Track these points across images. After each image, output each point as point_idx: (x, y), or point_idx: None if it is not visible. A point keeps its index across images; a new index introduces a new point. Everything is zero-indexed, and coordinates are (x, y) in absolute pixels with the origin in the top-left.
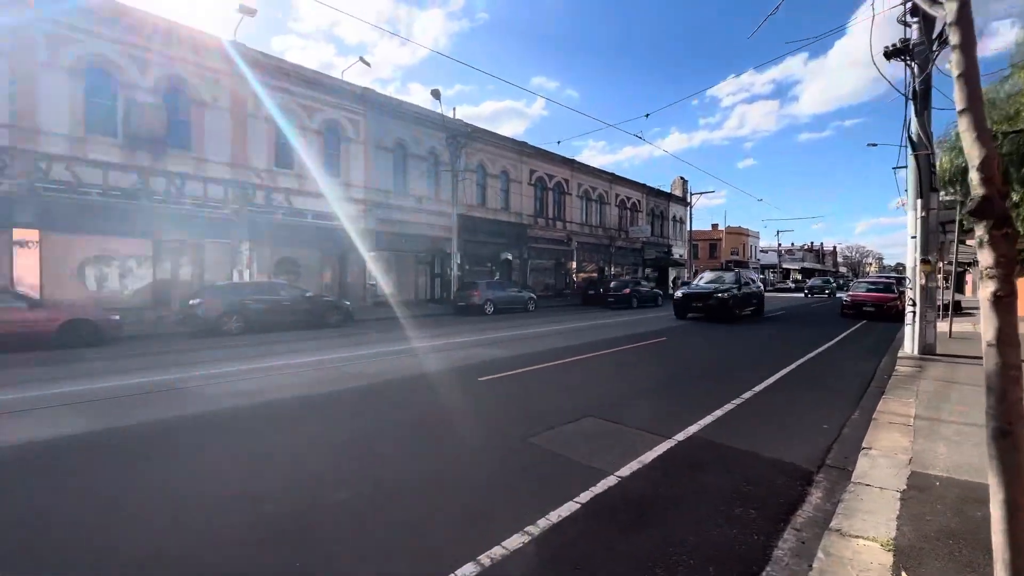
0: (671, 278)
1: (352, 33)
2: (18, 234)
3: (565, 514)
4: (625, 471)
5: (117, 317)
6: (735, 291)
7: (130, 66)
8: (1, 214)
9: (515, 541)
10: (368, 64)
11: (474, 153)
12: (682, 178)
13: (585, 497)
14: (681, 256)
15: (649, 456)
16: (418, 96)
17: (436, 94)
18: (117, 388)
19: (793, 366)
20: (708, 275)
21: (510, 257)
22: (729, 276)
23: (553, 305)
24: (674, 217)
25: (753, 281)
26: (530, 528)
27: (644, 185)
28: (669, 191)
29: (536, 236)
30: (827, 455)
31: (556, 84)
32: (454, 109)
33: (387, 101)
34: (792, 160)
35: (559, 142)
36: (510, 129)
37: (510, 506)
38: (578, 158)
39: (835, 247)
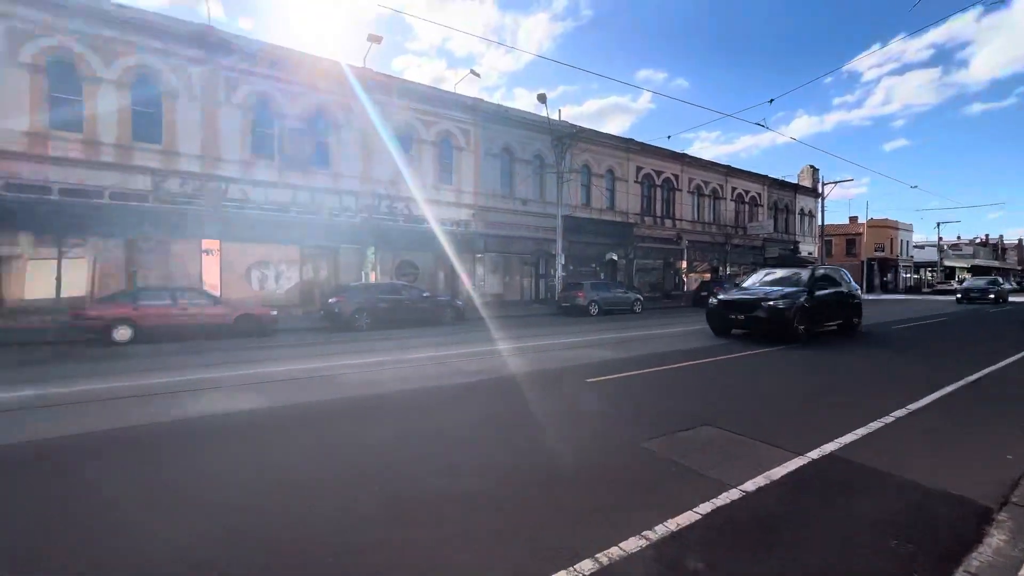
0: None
1: (460, 47)
2: (205, 244)
3: (684, 523)
4: (750, 485)
5: (275, 313)
6: (800, 298)
7: (284, 99)
8: (194, 228)
9: (632, 544)
10: (478, 75)
11: (579, 153)
12: (812, 166)
13: (705, 508)
14: (810, 254)
15: (778, 472)
16: (523, 101)
17: (542, 98)
18: (281, 373)
19: (960, 384)
20: (762, 274)
21: (615, 257)
22: (800, 274)
23: (662, 307)
24: (801, 211)
25: (844, 281)
26: (648, 533)
27: (765, 176)
28: (796, 182)
29: (643, 235)
30: (1013, 491)
31: (664, 75)
32: (559, 111)
33: (495, 109)
34: (958, 137)
35: (669, 137)
36: (615, 126)
37: (625, 509)
38: (689, 151)
39: (1021, 240)
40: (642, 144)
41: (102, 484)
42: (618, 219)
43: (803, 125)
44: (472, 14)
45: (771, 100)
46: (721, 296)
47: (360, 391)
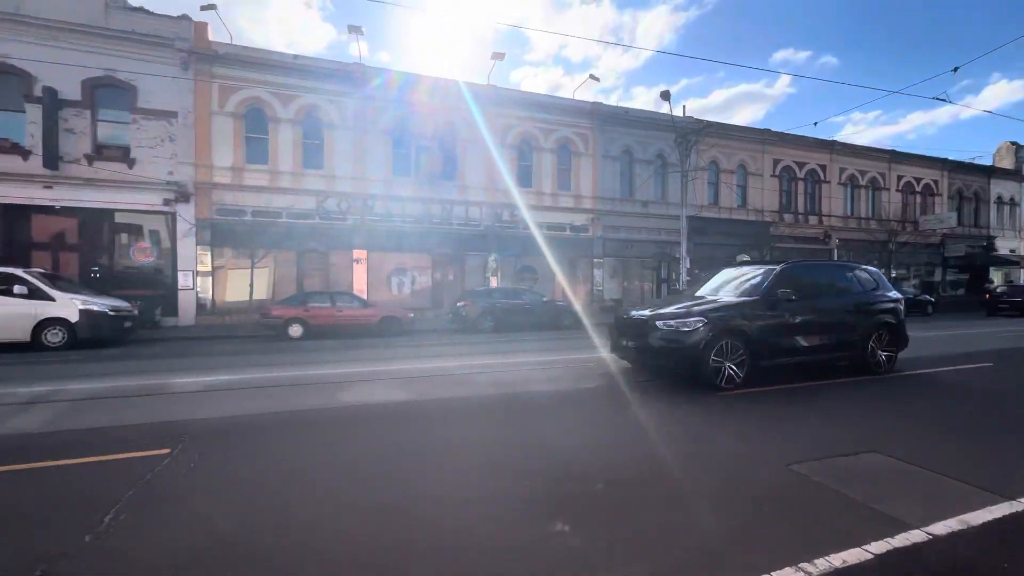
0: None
1: (577, 52)
2: (355, 254)
3: (851, 560)
4: (938, 528)
5: (412, 315)
6: (731, 313)
7: (418, 121)
8: (347, 240)
9: (787, 575)
10: (597, 79)
11: (705, 150)
12: (1013, 143)
13: (879, 548)
14: (1014, 251)
15: (977, 517)
16: (642, 99)
17: (665, 96)
18: (421, 369)
19: None
20: (732, 273)
21: (748, 259)
22: (759, 275)
23: None
24: (999, 199)
25: (863, 284)
26: (806, 566)
27: (944, 160)
28: (990, 163)
29: (781, 234)
30: None
31: (806, 54)
32: (683, 106)
33: (613, 111)
34: None
35: (816, 123)
36: (746, 116)
37: (775, 535)
38: (838, 137)
39: None
40: (780, 134)
41: (294, 455)
42: (751, 218)
43: (1000, 93)
44: (589, 19)
45: (955, 69)
46: (626, 313)
47: (490, 390)
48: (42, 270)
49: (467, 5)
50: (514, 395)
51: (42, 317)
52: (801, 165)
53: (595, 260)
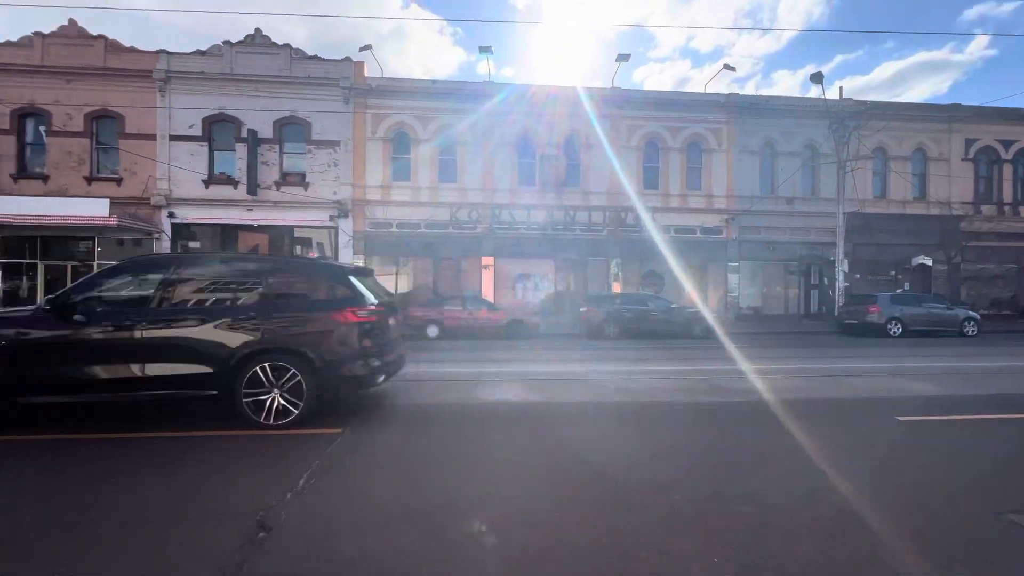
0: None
1: (705, 42)
2: (483, 260)
3: None
4: None
5: (536, 319)
6: None
7: (542, 130)
8: (476, 248)
9: None
10: (732, 69)
11: (868, 135)
12: None
13: None
14: None
15: None
16: (784, 84)
17: (817, 78)
18: (548, 372)
19: None
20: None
21: (928, 262)
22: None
23: (1010, 329)
24: None
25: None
26: None
27: None
28: None
29: (975, 231)
30: None
31: (1013, 5)
32: (839, 87)
33: (752, 101)
34: None
35: None
36: (925, 91)
37: None
38: None
39: None
40: (975, 108)
41: (445, 441)
42: (932, 212)
43: None
44: (720, 4)
45: None
46: None
47: (616, 397)
48: None
49: (588, 10)
50: (645, 404)
51: None
52: (1008, 144)
53: (729, 264)
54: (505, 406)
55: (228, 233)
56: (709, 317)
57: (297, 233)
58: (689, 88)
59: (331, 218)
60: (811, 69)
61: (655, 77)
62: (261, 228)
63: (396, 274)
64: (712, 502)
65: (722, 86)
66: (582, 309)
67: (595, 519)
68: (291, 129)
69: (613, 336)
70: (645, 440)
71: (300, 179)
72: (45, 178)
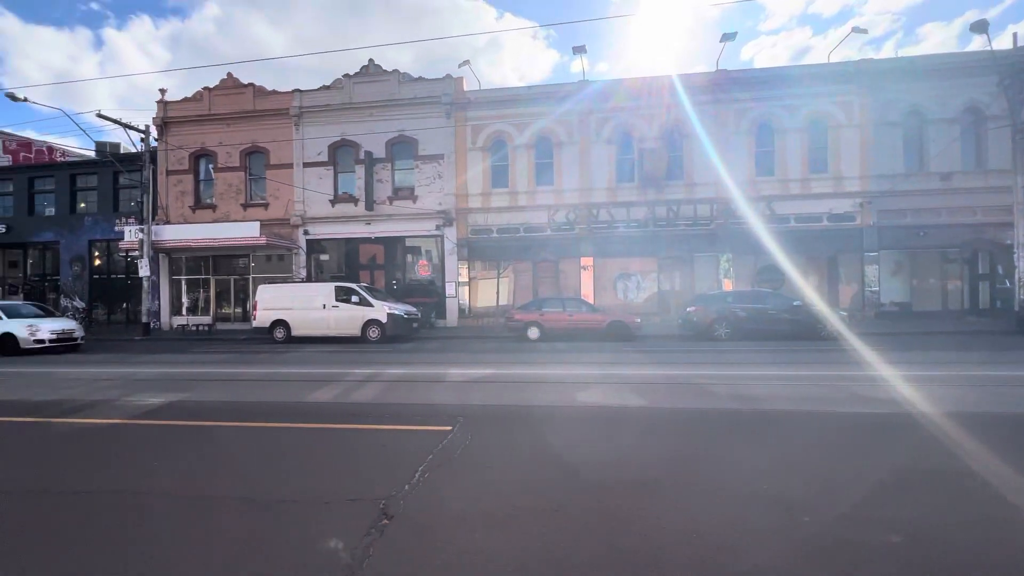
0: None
1: (829, 5)
2: (582, 261)
3: None
4: None
5: (639, 320)
6: None
7: (641, 124)
8: (574, 249)
9: None
10: (864, 31)
11: None
12: None
13: None
14: None
15: None
16: (934, 39)
17: (980, 26)
18: (652, 376)
19: None
20: None
21: None
22: None
23: None
24: None
25: None
26: None
27: None
28: None
29: None
30: None
31: None
32: (1014, 34)
33: (892, 65)
34: None
35: None
36: None
37: None
38: None
39: None
40: None
41: (549, 440)
42: None
43: None
44: None
45: None
46: None
47: (731, 404)
48: (365, 284)
49: None
50: (764, 413)
51: (367, 319)
52: None
53: (866, 255)
54: (607, 410)
55: (351, 245)
56: (841, 315)
57: (408, 243)
58: (809, 60)
59: (437, 227)
60: (971, 17)
61: (767, 52)
62: (377, 240)
63: (497, 278)
64: (849, 527)
65: (852, 52)
66: (689, 309)
67: (702, 533)
68: (400, 147)
69: (725, 337)
70: (762, 452)
71: (410, 192)
72: (214, 207)
